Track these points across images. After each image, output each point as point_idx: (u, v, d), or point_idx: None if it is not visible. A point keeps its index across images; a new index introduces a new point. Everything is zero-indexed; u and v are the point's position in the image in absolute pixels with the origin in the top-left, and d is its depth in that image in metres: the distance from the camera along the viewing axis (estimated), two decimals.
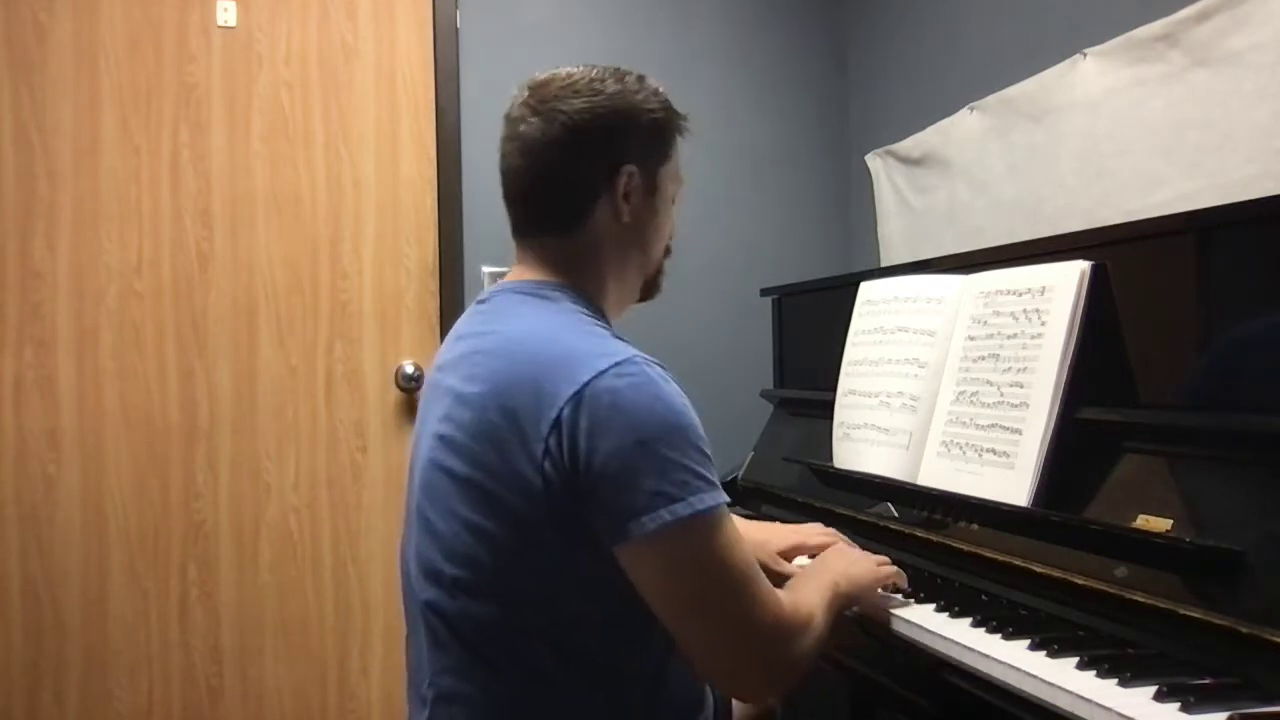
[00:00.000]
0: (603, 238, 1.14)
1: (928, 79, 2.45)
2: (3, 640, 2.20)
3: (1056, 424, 1.25)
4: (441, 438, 1.07)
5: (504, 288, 1.16)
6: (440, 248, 2.47)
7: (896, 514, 1.53)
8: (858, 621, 1.26)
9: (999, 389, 1.35)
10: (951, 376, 1.47)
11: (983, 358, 1.40)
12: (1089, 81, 1.85)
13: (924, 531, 1.44)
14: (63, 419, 2.25)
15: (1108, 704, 0.88)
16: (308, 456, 2.39)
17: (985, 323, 1.42)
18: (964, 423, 1.41)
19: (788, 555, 1.41)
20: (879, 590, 1.26)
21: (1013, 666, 1.01)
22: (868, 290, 1.74)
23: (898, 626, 1.21)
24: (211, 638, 2.32)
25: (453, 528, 1.04)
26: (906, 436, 1.53)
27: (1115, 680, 0.93)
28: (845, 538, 1.44)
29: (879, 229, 2.61)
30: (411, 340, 2.46)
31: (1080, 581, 1.14)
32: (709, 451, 1.01)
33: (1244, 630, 0.94)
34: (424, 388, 1.19)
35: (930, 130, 2.37)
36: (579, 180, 1.12)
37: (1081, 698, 0.91)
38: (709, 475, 0.99)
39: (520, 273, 1.17)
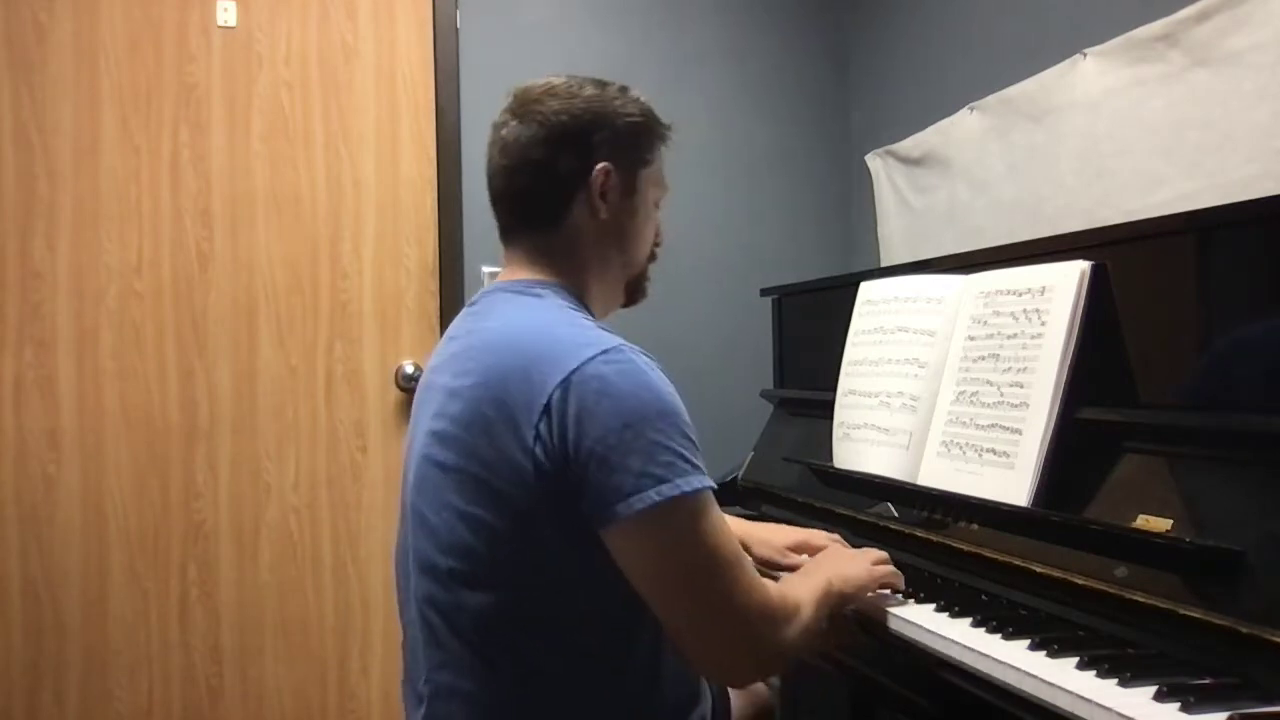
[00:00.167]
0: (582, 233, 1.17)
1: (927, 79, 2.45)
2: (3, 640, 2.20)
3: (1056, 424, 1.25)
4: (434, 433, 1.08)
5: (493, 289, 1.19)
6: (440, 248, 2.47)
7: (896, 514, 1.53)
8: (858, 621, 1.26)
9: (999, 389, 1.35)
10: (951, 376, 1.47)
11: (983, 358, 1.40)
12: (1089, 81, 1.85)
13: (924, 531, 1.44)
14: (63, 419, 2.25)
15: (1108, 704, 0.88)
16: (308, 456, 2.39)
17: (985, 323, 1.42)
18: (964, 423, 1.41)
19: (793, 551, 1.44)
20: (876, 590, 1.27)
21: (1013, 666, 1.01)
22: (868, 290, 1.75)
23: (897, 626, 1.21)
24: (211, 638, 2.32)
25: (447, 520, 1.05)
26: (906, 436, 1.53)
27: (1115, 680, 0.93)
28: (845, 543, 1.44)
29: (879, 229, 2.61)
30: (411, 340, 2.46)
31: (1080, 581, 1.14)
32: (695, 439, 1.02)
33: (1244, 630, 0.94)
34: (418, 391, 1.21)
35: (930, 130, 2.37)
36: (555, 176, 1.15)
37: (1081, 698, 0.91)
38: (695, 460, 1.01)
39: (508, 273, 1.20)
